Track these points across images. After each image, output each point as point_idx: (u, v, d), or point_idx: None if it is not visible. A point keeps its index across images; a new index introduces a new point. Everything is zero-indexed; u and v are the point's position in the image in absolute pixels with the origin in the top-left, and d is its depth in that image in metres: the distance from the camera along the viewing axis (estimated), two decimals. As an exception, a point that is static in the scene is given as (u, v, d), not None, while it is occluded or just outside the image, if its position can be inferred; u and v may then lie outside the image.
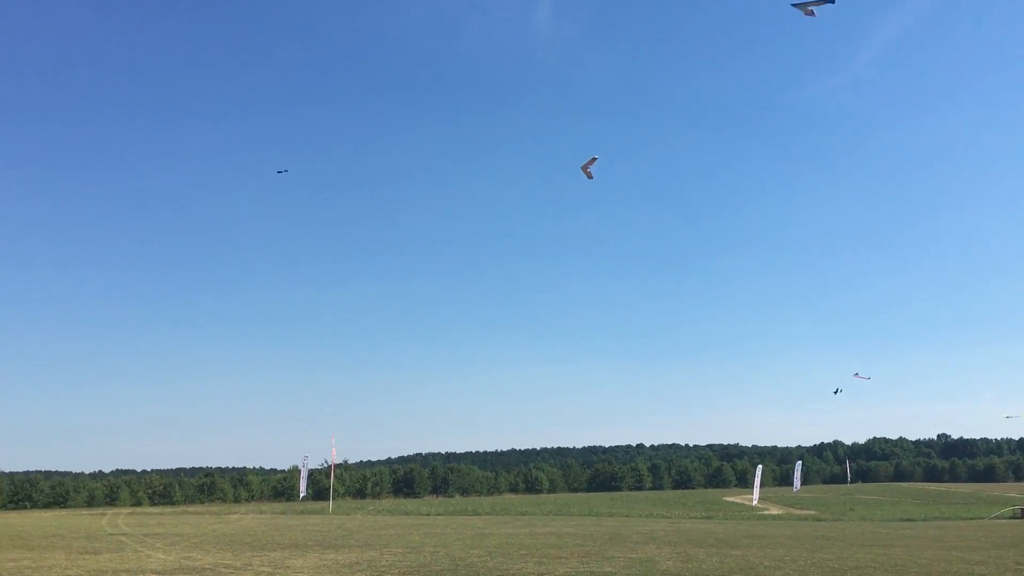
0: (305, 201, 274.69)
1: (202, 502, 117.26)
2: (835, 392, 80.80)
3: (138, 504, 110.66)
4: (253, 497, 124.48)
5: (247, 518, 59.92)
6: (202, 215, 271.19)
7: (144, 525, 49.42)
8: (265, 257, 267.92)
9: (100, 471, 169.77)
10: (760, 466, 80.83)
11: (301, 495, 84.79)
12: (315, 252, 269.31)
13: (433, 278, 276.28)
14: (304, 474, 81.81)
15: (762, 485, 79.69)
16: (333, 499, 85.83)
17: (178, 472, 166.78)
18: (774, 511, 65.33)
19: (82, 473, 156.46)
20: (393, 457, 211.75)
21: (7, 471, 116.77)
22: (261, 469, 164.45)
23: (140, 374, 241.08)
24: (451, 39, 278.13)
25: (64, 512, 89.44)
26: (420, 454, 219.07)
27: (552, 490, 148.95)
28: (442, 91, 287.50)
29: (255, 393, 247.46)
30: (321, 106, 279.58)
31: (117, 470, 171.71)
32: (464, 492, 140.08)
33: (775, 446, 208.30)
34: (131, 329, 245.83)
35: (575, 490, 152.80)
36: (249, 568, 21.38)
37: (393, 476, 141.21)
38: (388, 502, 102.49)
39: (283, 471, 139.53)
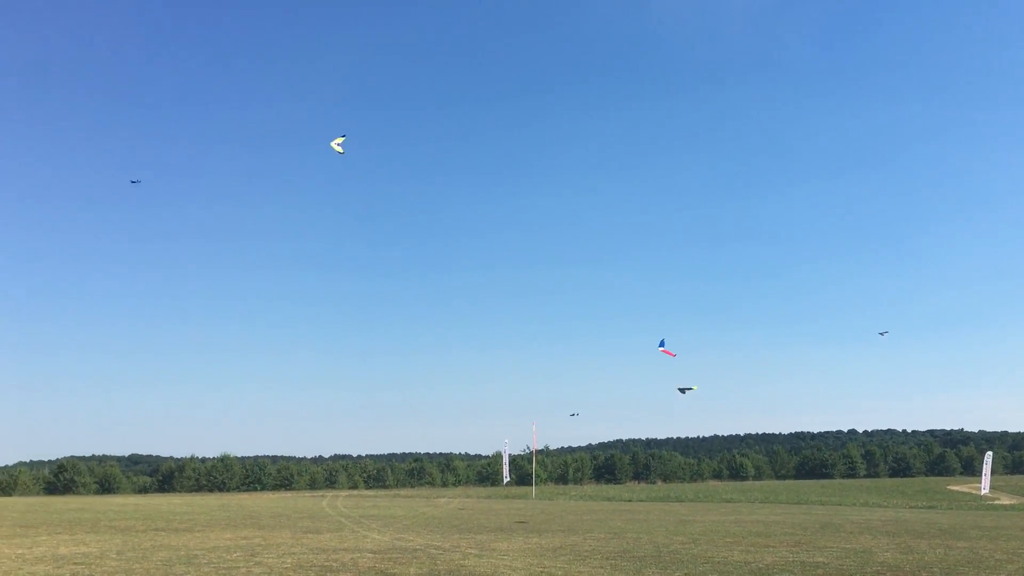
0: (508, 197, 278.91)
1: (412, 486, 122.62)
2: (881, 334, 77.15)
3: (354, 487, 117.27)
4: (459, 482, 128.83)
5: (454, 502, 61.96)
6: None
7: (360, 507, 52.19)
8: (472, 246, 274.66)
9: (320, 456, 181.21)
10: (990, 452, 74.69)
11: (505, 480, 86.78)
12: (518, 237, 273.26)
13: (630, 260, 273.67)
14: (506, 460, 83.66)
15: (992, 473, 73.59)
16: (535, 484, 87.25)
17: (390, 457, 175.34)
18: (1006, 501, 60.13)
19: (304, 458, 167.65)
20: (593, 443, 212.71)
21: (240, 456, 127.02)
22: (466, 455, 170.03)
23: (357, 368, 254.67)
24: (635, 18, 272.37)
25: (289, 494, 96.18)
26: (620, 440, 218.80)
27: (758, 477, 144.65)
28: (626, 76, 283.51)
29: (459, 381, 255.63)
30: (502, 100, 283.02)
31: (335, 455, 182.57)
32: (666, 478, 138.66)
33: (1005, 431, 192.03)
34: (349, 329, 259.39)
35: (782, 477, 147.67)
36: (457, 550, 21.94)
37: (594, 462, 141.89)
38: (589, 488, 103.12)
39: (487, 457, 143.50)
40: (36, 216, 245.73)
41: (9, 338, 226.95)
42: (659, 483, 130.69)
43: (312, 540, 25.49)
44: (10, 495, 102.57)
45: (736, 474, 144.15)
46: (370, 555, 20.57)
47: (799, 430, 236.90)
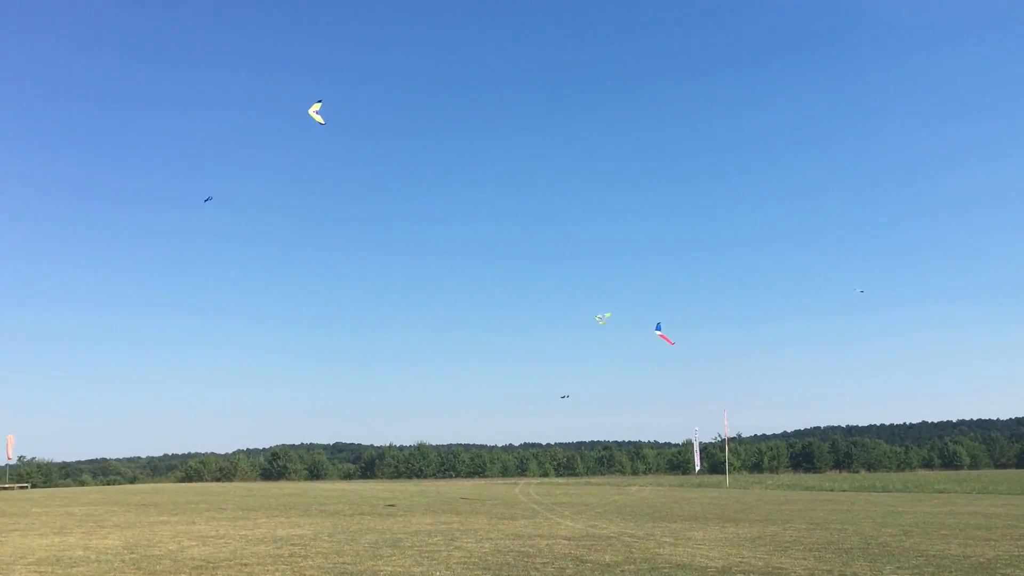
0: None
1: (602, 474, 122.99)
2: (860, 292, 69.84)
3: (545, 475, 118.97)
4: (649, 470, 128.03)
5: (645, 490, 61.58)
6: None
7: (552, 494, 52.86)
8: (664, 233, 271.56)
9: (511, 444, 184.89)
10: None
11: (696, 468, 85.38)
12: (702, 222, 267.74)
13: (829, 235, 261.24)
14: (697, 448, 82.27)
15: None
16: (728, 473, 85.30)
17: (579, 446, 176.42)
18: None
19: (495, 446, 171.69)
20: (789, 431, 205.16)
21: (435, 444, 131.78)
22: (655, 443, 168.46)
23: (547, 359, 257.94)
24: None
25: (482, 481, 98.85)
26: (818, 427, 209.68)
27: (973, 466, 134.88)
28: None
29: (647, 368, 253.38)
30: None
31: (525, 443, 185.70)
32: (870, 467, 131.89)
33: None
34: (540, 320, 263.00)
35: (1002, 466, 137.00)
36: (651, 538, 21.76)
37: (790, 450, 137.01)
38: (786, 477, 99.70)
39: (676, 445, 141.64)
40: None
41: (230, 339, 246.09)
42: (862, 472, 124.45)
43: (508, 526, 26.03)
44: (231, 480, 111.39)
45: (949, 463, 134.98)
46: (565, 541, 20.76)
47: (1020, 415, 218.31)
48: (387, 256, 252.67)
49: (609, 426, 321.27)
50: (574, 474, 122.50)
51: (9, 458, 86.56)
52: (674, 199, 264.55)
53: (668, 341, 43.77)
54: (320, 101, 36.14)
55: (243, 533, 23.90)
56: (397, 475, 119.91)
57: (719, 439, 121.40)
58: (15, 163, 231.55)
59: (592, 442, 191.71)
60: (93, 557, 18.00)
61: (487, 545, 19.98)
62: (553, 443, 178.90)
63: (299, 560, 17.22)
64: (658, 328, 42.69)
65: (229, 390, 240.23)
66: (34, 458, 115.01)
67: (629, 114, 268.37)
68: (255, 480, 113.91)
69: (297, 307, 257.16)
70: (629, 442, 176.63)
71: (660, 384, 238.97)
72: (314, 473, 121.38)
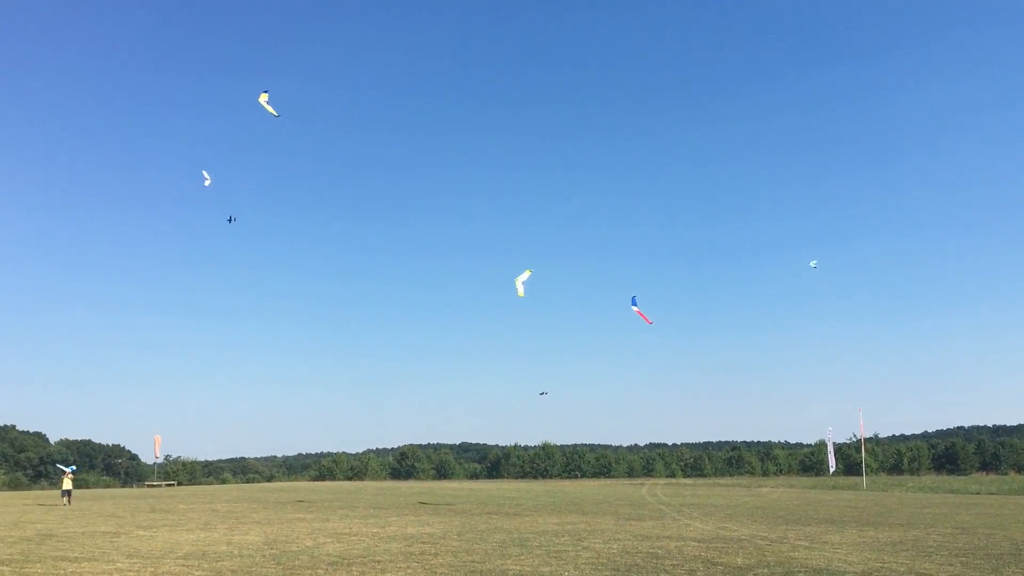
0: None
1: (731, 475, 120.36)
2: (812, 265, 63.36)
3: (672, 476, 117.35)
4: (780, 471, 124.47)
5: (777, 492, 59.90)
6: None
7: (679, 495, 52.07)
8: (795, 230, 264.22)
9: (636, 444, 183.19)
10: None
11: (831, 469, 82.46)
12: (833, 216, 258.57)
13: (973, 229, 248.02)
14: (831, 448, 79.44)
15: None
16: (865, 474, 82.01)
17: (706, 446, 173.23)
18: None
19: (620, 446, 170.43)
20: (930, 431, 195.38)
21: (559, 444, 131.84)
22: (786, 443, 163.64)
23: (673, 357, 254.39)
24: None
25: (608, 481, 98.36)
26: (962, 427, 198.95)
27: None
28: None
29: (777, 366, 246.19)
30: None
31: (651, 443, 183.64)
32: (1020, 469, 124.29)
33: None
34: (671, 316, 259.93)
35: None
36: (785, 541, 21.13)
37: (932, 451, 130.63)
38: (928, 479, 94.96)
39: (809, 445, 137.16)
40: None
41: (360, 344, 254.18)
42: (1012, 474, 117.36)
43: (635, 527, 25.78)
44: (362, 479, 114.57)
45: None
46: (695, 543, 20.38)
47: None
48: (505, 256, 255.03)
49: (738, 426, 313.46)
50: (701, 475, 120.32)
51: (157, 457, 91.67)
52: (809, 192, 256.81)
53: (645, 319, 41.01)
54: (267, 92, 35.88)
55: (375, 531, 24.52)
56: (522, 475, 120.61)
57: (854, 439, 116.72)
58: (160, 181, 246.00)
59: (720, 442, 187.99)
60: (236, 552, 18.82)
61: (615, 546, 19.82)
62: (679, 443, 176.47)
63: (429, 558, 17.52)
64: (634, 303, 39.67)
65: (359, 392, 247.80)
66: (179, 457, 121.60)
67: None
68: (385, 479, 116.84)
69: (424, 311, 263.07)
70: (758, 442, 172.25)
71: (790, 383, 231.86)
72: (441, 472, 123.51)
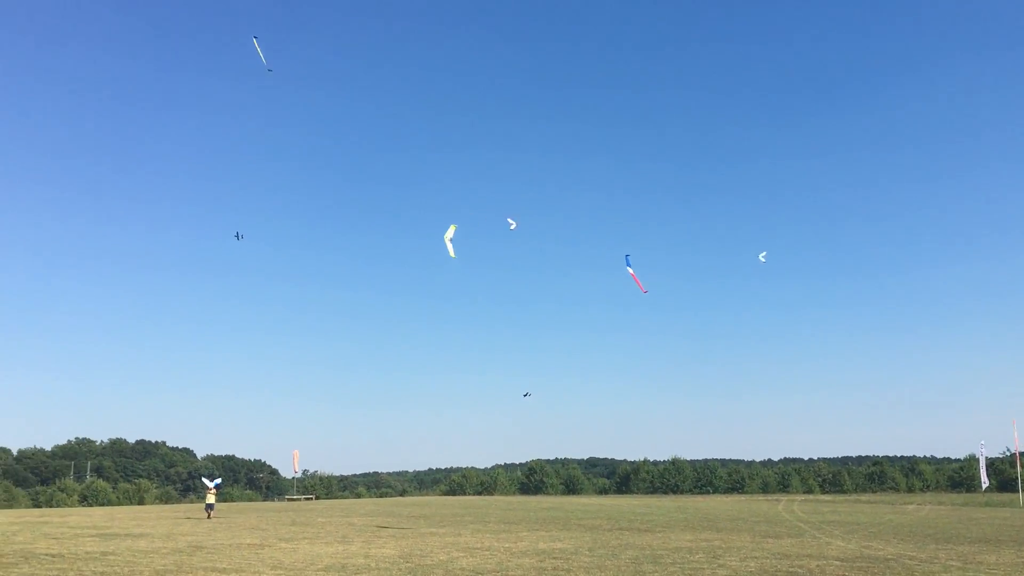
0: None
1: (872, 491, 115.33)
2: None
3: (809, 491, 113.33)
4: (927, 487, 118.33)
5: (924, 509, 56.94)
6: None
7: (818, 512, 50.16)
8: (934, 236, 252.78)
9: (769, 459, 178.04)
10: None
11: (983, 486, 77.83)
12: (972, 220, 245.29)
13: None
14: (983, 463, 75.02)
15: None
16: (1022, 491, 76.95)
17: (845, 460, 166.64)
18: None
19: (753, 461, 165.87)
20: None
21: (690, 459, 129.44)
22: (932, 458, 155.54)
23: (804, 368, 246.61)
24: None
25: (742, 497, 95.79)
26: None
27: None
28: None
29: (921, 375, 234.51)
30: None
31: (786, 458, 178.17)
32: None
33: None
34: (799, 327, 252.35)
35: None
36: (936, 561, 20.01)
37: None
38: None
39: (958, 460, 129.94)
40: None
41: (488, 363, 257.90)
42: None
43: (773, 545, 24.95)
44: (491, 494, 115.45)
45: None
46: (837, 563, 19.55)
47: None
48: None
49: (879, 439, 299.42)
50: (841, 491, 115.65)
51: (296, 472, 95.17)
52: (957, 196, 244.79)
53: (640, 286, 37.52)
54: (256, 37, 35.12)
55: (507, 545, 24.60)
56: (652, 490, 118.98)
57: (1008, 453, 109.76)
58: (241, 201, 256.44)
59: (860, 456, 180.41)
60: (373, 565, 19.23)
61: (752, 564, 19.22)
62: (816, 457, 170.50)
63: (562, 573, 17.43)
64: (628, 264, 35.83)
65: (488, 408, 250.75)
66: (316, 472, 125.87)
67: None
68: (514, 494, 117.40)
69: (547, 327, 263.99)
70: (902, 457, 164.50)
71: (937, 393, 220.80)
72: (570, 487, 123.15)
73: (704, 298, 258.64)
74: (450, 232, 35.65)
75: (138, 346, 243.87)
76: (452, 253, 35.90)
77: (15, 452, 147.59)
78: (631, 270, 37.48)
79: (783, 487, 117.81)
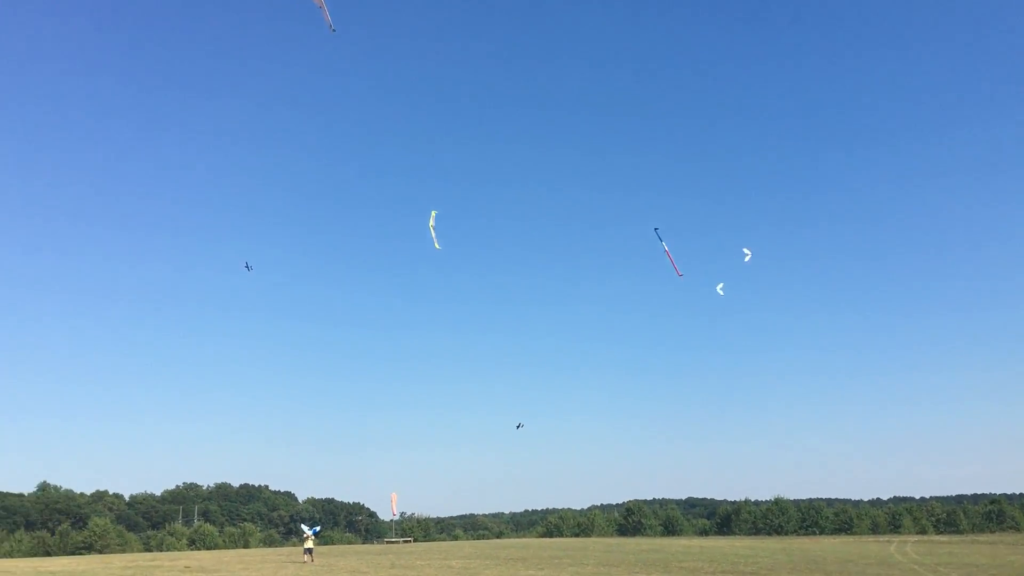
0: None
1: (991, 531, 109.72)
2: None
3: (922, 532, 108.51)
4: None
5: (1049, 550, 53.76)
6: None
7: (933, 554, 47.88)
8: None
9: (878, 498, 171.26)
10: None
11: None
12: None
13: None
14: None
15: None
16: None
17: (960, 499, 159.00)
18: None
19: (861, 501, 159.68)
20: None
21: (793, 499, 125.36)
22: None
23: (906, 402, 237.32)
24: None
25: (849, 538, 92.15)
26: None
27: None
28: None
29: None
30: None
31: (895, 497, 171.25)
32: None
33: None
34: (870, 364, 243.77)
35: None
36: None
37: None
38: None
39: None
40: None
41: (580, 403, 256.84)
42: None
43: (886, 589, 23.88)
44: (588, 535, 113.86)
45: None
46: (958, 608, 18.57)
47: None
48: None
49: (997, 476, 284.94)
50: (956, 531, 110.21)
51: (394, 514, 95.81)
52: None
53: (675, 266, 35.50)
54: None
55: (607, 589, 24.17)
56: (755, 531, 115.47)
57: None
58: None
59: (976, 495, 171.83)
60: (473, 609, 19.12)
61: (865, 610, 18.40)
62: (928, 496, 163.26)
63: (665, 619, 17.01)
64: (657, 235, 33.38)
65: (583, 447, 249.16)
66: (414, 514, 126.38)
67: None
68: (611, 535, 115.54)
69: (647, 371, 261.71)
70: (1022, 494, 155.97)
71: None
72: (669, 529, 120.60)
73: (806, 334, 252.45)
74: (432, 219, 36.32)
75: (243, 393, 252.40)
76: (437, 245, 36.62)
77: (127, 497, 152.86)
78: (665, 247, 36.49)
79: (894, 527, 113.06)
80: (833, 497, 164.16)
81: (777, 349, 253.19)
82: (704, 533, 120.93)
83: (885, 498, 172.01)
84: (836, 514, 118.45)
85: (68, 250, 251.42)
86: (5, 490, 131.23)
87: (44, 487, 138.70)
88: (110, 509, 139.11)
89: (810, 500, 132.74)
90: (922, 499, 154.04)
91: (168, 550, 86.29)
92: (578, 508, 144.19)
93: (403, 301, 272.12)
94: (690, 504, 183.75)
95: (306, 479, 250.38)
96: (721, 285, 67.68)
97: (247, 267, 61.75)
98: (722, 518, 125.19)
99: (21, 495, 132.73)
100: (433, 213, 37.01)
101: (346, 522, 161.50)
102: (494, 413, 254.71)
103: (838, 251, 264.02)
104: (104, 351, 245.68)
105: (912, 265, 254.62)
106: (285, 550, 71.94)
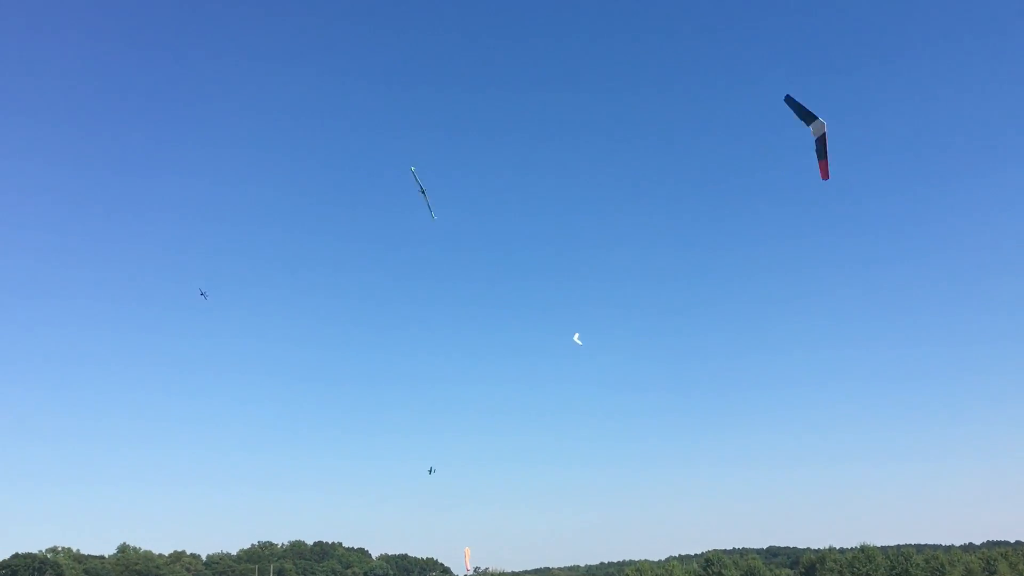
0: None
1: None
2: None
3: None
4: None
5: None
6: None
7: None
8: None
9: (971, 543, 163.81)
10: None
11: None
12: None
13: None
14: None
15: None
16: None
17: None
18: None
19: (952, 546, 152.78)
20: None
21: (881, 545, 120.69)
22: None
23: (989, 436, 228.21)
24: None
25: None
26: None
27: None
28: None
29: None
30: None
31: (989, 541, 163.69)
32: None
33: None
34: (964, 398, 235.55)
35: None
36: None
37: None
38: None
39: None
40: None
41: (654, 452, 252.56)
42: None
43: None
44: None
45: None
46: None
47: None
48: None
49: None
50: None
51: (468, 569, 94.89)
52: None
53: (822, 170, 35.88)
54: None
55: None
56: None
57: None
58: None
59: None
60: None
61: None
62: (1022, 540, 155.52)
63: None
64: (414, 175, 32.64)
65: (659, 496, 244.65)
66: (488, 569, 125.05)
67: None
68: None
69: (717, 413, 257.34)
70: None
71: None
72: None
73: (883, 372, 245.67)
74: (416, 177, 36.30)
75: (314, 452, 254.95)
76: (433, 216, 36.83)
77: (204, 557, 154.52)
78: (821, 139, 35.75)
79: (989, 573, 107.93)
80: (922, 543, 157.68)
81: (856, 389, 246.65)
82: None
83: (978, 543, 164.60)
84: (927, 561, 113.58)
85: (152, 327, 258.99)
86: (87, 552, 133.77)
87: (124, 548, 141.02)
88: (187, 569, 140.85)
89: (898, 547, 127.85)
90: (1017, 543, 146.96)
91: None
92: (655, 559, 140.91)
93: (473, 360, 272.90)
94: (772, 553, 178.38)
95: (379, 535, 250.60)
96: (577, 335, 63.00)
97: (202, 295, 63.76)
98: (806, 567, 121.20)
99: (102, 557, 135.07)
100: (412, 168, 37.24)
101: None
102: (569, 465, 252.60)
103: (935, 295, 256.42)
104: (182, 417, 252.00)
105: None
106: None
